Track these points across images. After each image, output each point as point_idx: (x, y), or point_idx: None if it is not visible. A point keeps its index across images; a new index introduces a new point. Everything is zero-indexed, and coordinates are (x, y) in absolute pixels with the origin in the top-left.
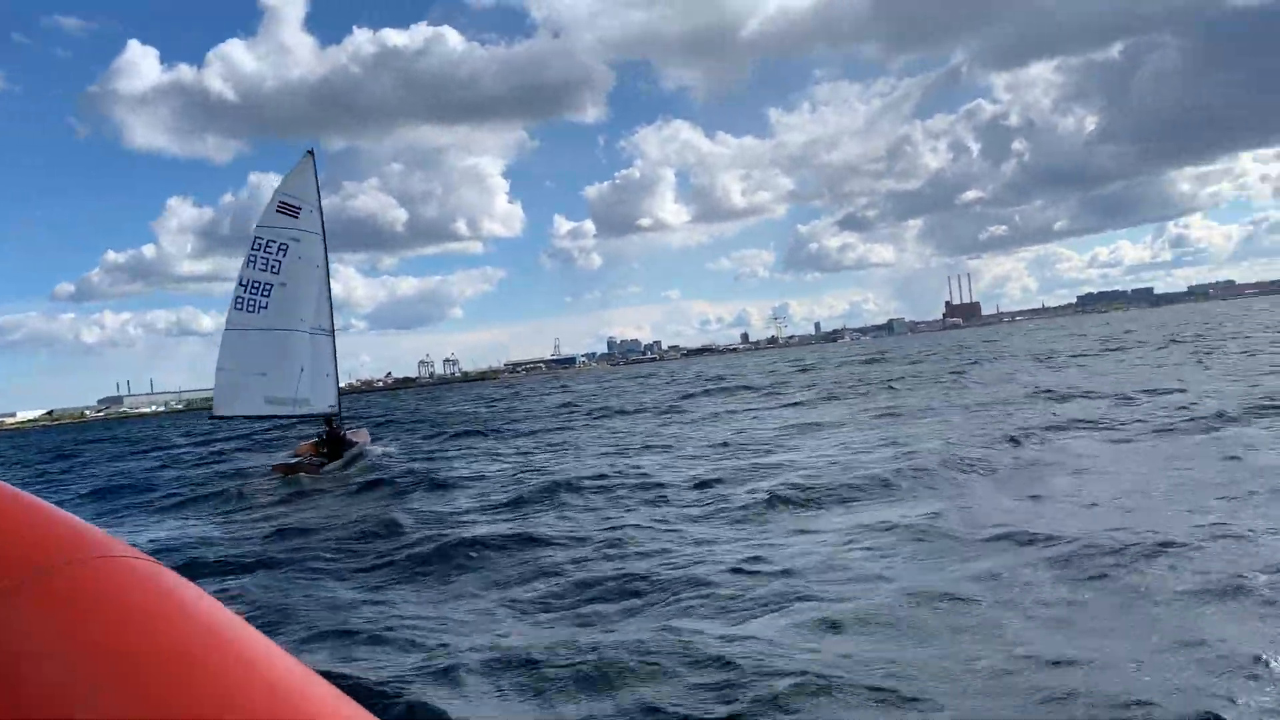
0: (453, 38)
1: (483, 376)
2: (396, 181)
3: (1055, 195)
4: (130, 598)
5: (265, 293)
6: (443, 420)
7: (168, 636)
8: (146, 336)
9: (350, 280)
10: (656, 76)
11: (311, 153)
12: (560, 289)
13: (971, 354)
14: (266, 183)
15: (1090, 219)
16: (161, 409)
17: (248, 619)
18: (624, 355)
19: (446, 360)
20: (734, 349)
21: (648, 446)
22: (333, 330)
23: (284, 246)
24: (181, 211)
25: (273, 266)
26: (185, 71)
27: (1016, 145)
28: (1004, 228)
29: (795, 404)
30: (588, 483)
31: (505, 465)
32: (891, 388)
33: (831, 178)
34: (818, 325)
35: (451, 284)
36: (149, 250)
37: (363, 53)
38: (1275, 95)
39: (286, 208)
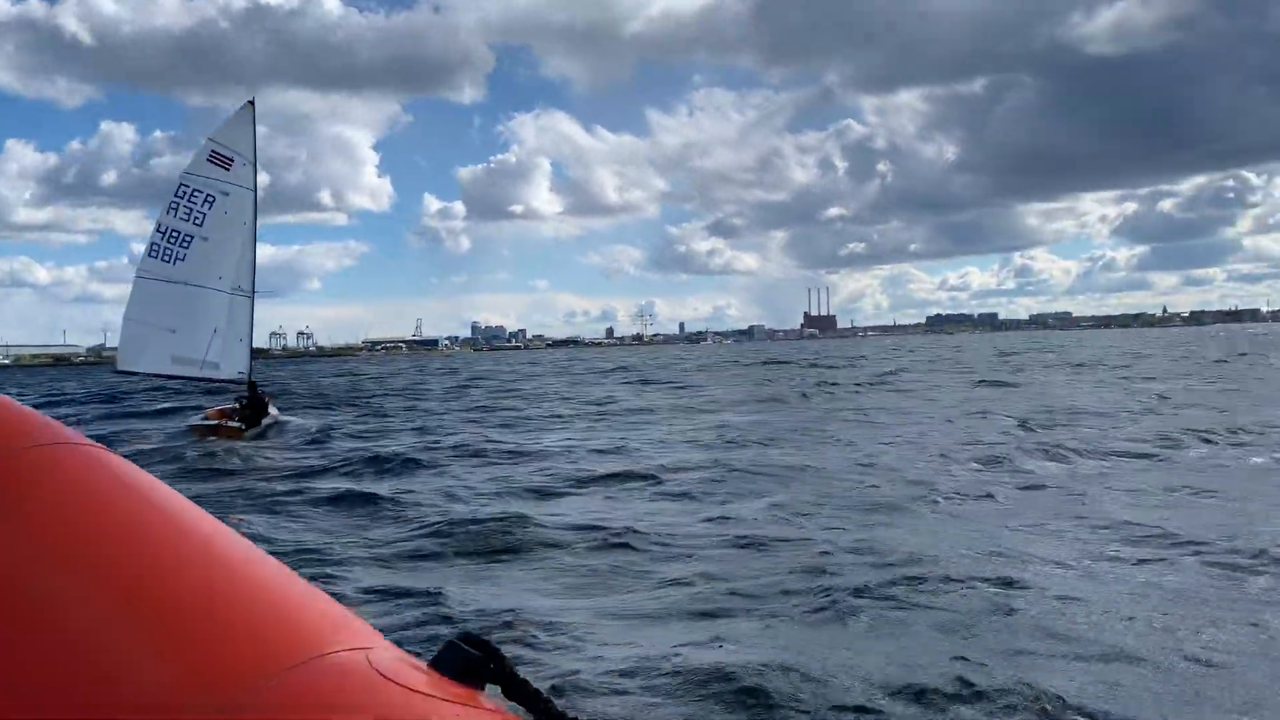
0: (329, 1)
1: (339, 353)
2: (260, 145)
3: (912, 218)
4: (84, 482)
5: (185, 244)
6: (328, 393)
7: (123, 519)
8: None
9: None
10: (537, 64)
11: (252, 103)
12: (425, 270)
13: (872, 361)
14: (119, 132)
15: (943, 243)
16: None
17: None
18: (488, 341)
19: (300, 333)
20: (599, 343)
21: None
22: (253, 293)
23: (210, 198)
24: (22, 155)
25: (195, 218)
26: (36, 6)
27: (880, 167)
28: (862, 245)
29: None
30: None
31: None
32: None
33: (703, 182)
34: (682, 326)
35: (310, 255)
36: None
37: (233, 7)
38: (1118, 141)
39: (218, 158)
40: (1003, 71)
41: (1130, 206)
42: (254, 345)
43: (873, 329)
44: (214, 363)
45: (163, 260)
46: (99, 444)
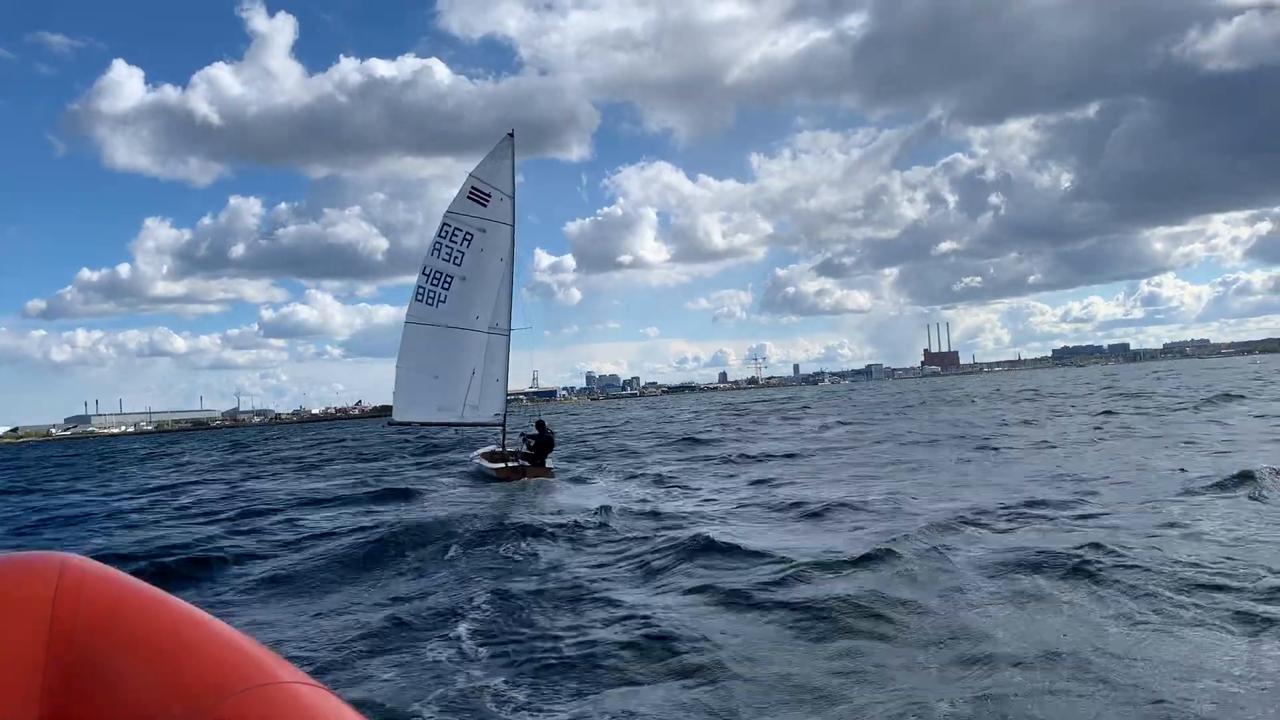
0: (440, 71)
1: None
2: (379, 210)
3: (1029, 249)
4: None
5: (446, 285)
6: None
7: None
8: (118, 356)
9: (327, 307)
10: (640, 118)
11: (511, 135)
12: (539, 322)
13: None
14: (246, 207)
15: (1063, 274)
16: (130, 429)
17: None
18: (603, 390)
19: None
20: (714, 387)
21: None
22: (509, 330)
23: (468, 236)
24: (159, 232)
25: (455, 257)
26: (169, 93)
27: (993, 199)
28: (978, 279)
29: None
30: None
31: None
32: None
33: (810, 223)
34: (796, 367)
35: None
36: (124, 270)
37: (349, 82)
38: (1245, 159)
39: (476, 194)
40: (1117, 95)
41: (1264, 226)
42: (378, 404)
43: (998, 364)
44: (474, 405)
45: (427, 304)
46: (315, 682)
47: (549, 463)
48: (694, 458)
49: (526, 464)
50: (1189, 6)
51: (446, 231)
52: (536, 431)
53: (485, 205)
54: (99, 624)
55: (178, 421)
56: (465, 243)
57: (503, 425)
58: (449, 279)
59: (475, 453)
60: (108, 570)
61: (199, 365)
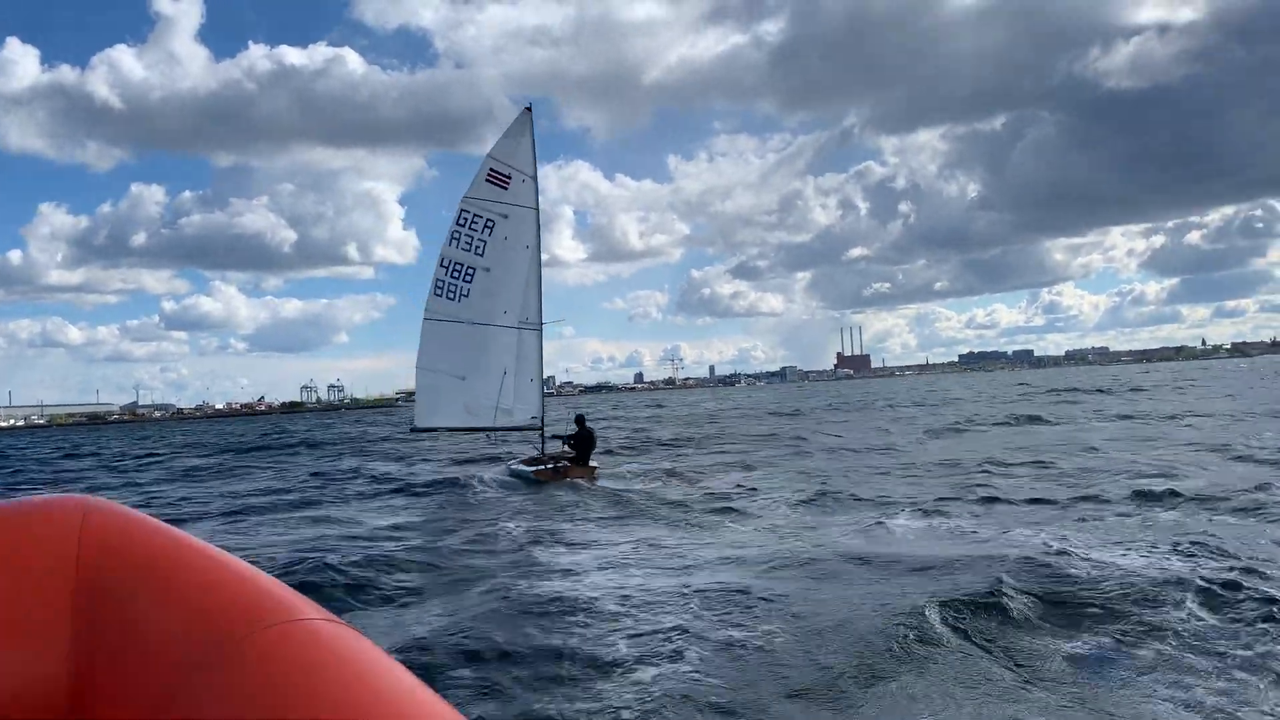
0: (353, 60)
1: (376, 404)
2: (287, 201)
3: (937, 257)
4: (314, 663)
5: (468, 277)
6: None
7: (349, 703)
8: (7, 346)
9: (232, 300)
10: (558, 115)
11: (529, 109)
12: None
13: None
14: (148, 194)
15: (969, 281)
16: (20, 423)
17: None
18: None
19: (331, 386)
20: (630, 388)
21: None
22: (540, 325)
23: (490, 223)
24: (54, 218)
25: (476, 247)
26: (67, 74)
27: (902, 207)
28: (887, 285)
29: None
30: None
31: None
32: None
33: (725, 226)
34: (712, 369)
35: (338, 309)
36: (15, 256)
37: (258, 69)
38: (1142, 174)
39: (496, 176)
40: (1022, 108)
41: (1158, 240)
42: (283, 400)
43: (908, 368)
44: (507, 408)
45: (447, 298)
46: (337, 618)
47: (592, 461)
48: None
49: (565, 463)
50: (1091, 25)
51: (465, 219)
52: (576, 429)
53: (505, 188)
54: (123, 564)
55: (72, 415)
56: (487, 230)
57: (541, 429)
58: (471, 271)
59: (513, 460)
60: (129, 511)
61: (95, 357)
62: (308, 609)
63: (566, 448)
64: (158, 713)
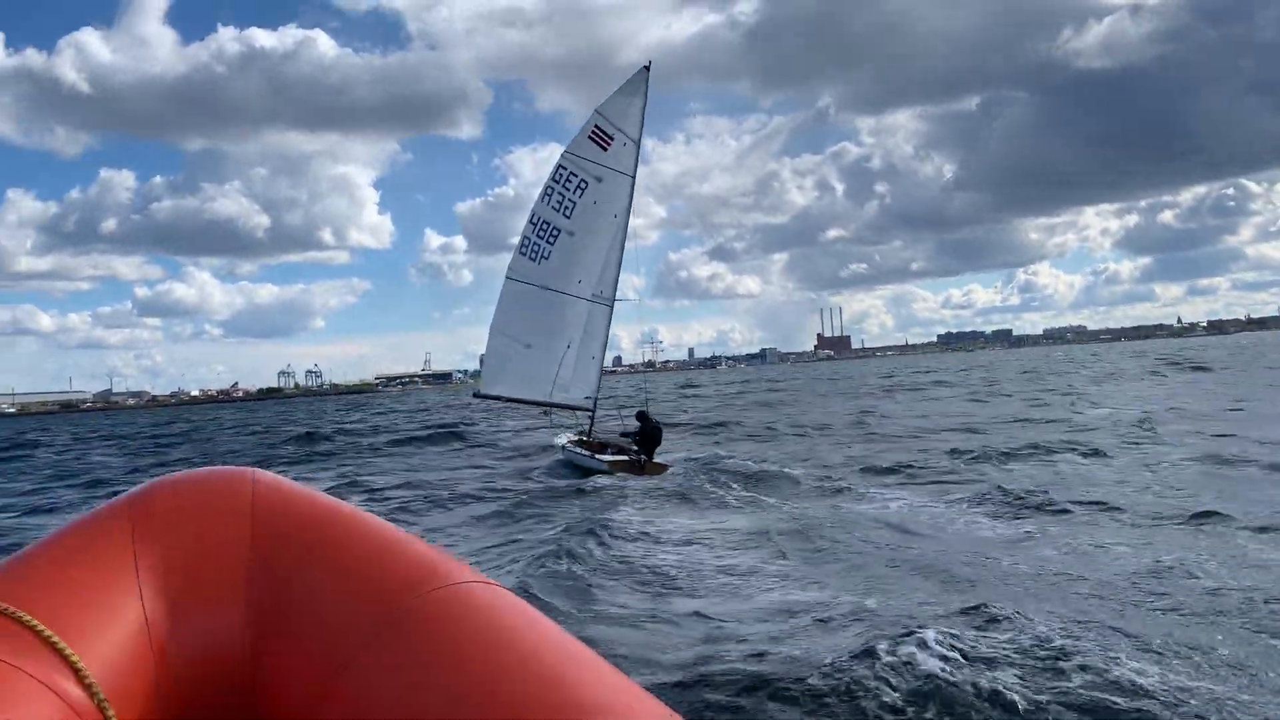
0: (324, 42)
1: (356, 389)
2: (260, 186)
3: (913, 237)
4: (481, 625)
5: (552, 238)
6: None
7: (516, 662)
8: None
9: (205, 285)
10: (532, 98)
11: (648, 68)
12: (428, 304)
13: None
14: (118, 180)
15: (945, 261)
16: None
17: None
18: None
19: (309, 371)
20: (611, 371)
21: None
22: (613, 301)
23: (583, 184)
24: (22, 204)
25: (566, 207)
26: (34, 57)
27: (878, 187)
28: (864, 265)
29: None
30: None
31: None
32: None
33: (702, 208)
34: (691, 351)
35: (314, 293)
36: None
37: (227, 51)
38: (1115, 154)
39: (599, 134)
40: (995, 88)
41: (1131, 219)
42: (260, 386)
43: (889, 349)
44: (565, 383)
45: (530, 258)
46: (488, 579)
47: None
48: None
49: (643, 456)
50: (1063, 6)
51: (561, 175)
52: (639, 423)
53: (606, 149)
54: (291, 530)
55: (44, 404)
56: (579, 191)
57: (592, 411)
58: (556, 232)
59: (561, 438)
60: (293, 483)
61: (67, 345)
62: (465, 572)
63: (632, 445)
64: (333, 678)
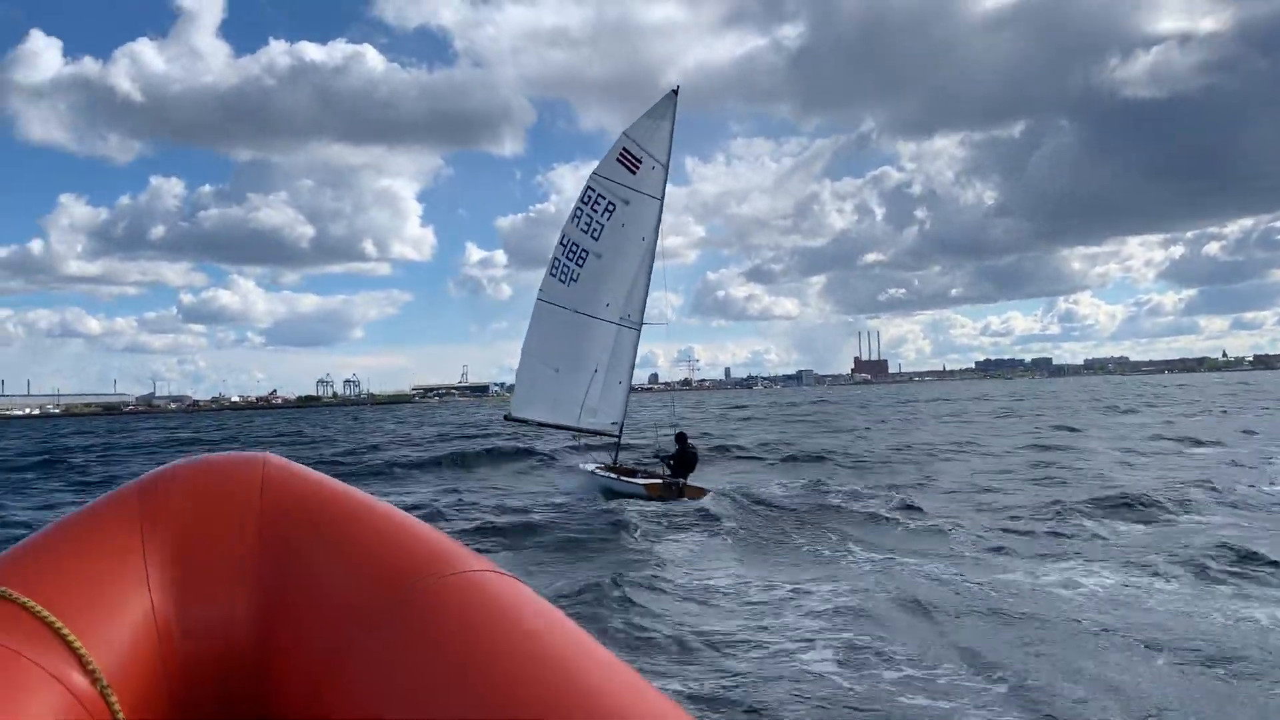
0: (373, 58)
1: (393, 400)
2: (306, 197)
3: (952, 263)
4: (486, 614)
5: (580, 260)
6: None
7: (521, 652)
8: (26, 336)
9: (249, 294)
10: (575, 116)
11: (676, 91)
12: (466, 316)
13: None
14: (167, 187)
15: (984, 288)
16: (35, 412)
17: None
18: None
19: (348, 381)
20: (646, 389)
21: None
22: (640, 325)
23: (611, 207)
24: (74, 210)
25: (594, 229)
26: (90, 66)
27: (918, 213)
28: (902, 290)
29: None
30: None
31: None
32: None
33: (741, 228)
34: (727, 371)
35: (354, 304)
36: (36, 246)
37: (278, 64)
38: (1160, 184)
39: (627, 157)
40: (1040, 115)
41: (1176, 250)
42: (297, 395)
43: (926, 374)
44: (592, 408)
45: (560, 280)
46: (502, 570)
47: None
48: None
49: (682, 480)
50: (1110, 34)
51: (590, 197)
52: (678, 446)
53: (635, 173)
54: (301, 514)
55: (88, 405)
56: (607, 214)
57: (618, 437)
58: (584, 254)
59: (589, 464)
60: (305, 468)
61: (113, 348)
62: (476, 561)
63: (665, 469)
64: (339, 661)
